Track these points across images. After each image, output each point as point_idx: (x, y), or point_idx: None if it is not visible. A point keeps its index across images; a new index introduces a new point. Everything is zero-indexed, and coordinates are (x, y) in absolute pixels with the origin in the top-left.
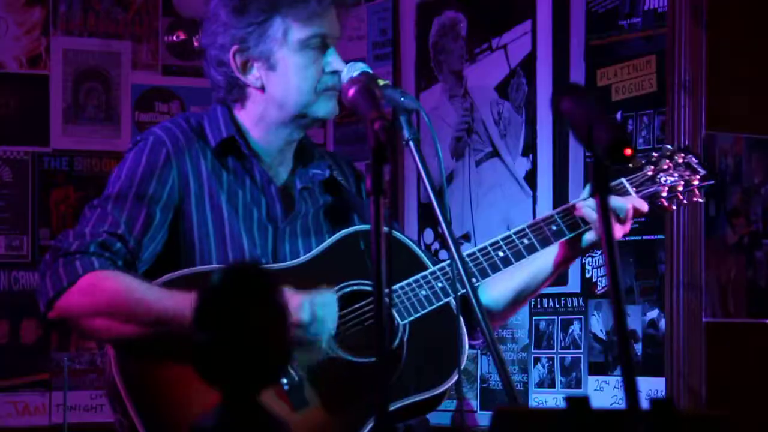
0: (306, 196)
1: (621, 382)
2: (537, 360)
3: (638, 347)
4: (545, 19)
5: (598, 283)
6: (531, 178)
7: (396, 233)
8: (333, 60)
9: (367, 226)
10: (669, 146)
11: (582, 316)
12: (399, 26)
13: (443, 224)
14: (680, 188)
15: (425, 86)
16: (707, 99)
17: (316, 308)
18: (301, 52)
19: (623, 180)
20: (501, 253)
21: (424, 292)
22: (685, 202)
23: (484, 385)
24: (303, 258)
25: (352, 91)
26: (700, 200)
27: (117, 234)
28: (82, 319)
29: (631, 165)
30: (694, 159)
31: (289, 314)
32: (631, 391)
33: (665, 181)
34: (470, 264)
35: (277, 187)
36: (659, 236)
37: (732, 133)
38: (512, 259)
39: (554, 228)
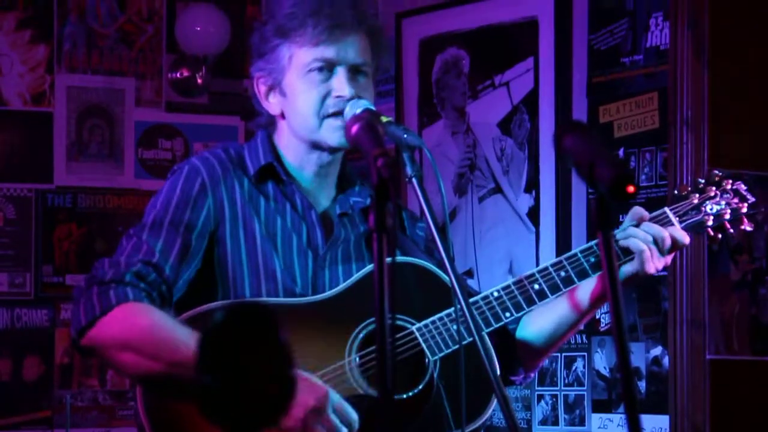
0: (346, 222)
1: (625, 420)
2: (540, 397)
3: (642, 384)
4: (548, 56)
5: (602, 320)
6: (534, 214)
7: (429, 265)
8: (338, 85)
9: (400, 258)
10: (717, 172)
11: (585, 353)
12: (402, 63)
13: (446, 261)
14: (727, 216)
15: (428, 123)
16: (709, 136)
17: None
18: (305, 77)
19: (666, 210)
20: (536, 286)
21: (456, 327)
22: (732, 231)
23: (488, 422)
24: (333, 291)
25: (355, 128)
26: (748, 228)
27: (152, 263)
28: (110, 350)
29: (676, 191)
30: (743, 186)
31: (291, 354)
32: (634, 428)
33: (711, 209)
34: (505, 297)
35: (318, 214)
36: (662, 273)
37: (734, 170)
38: (548, 293)
39: (593, 259)
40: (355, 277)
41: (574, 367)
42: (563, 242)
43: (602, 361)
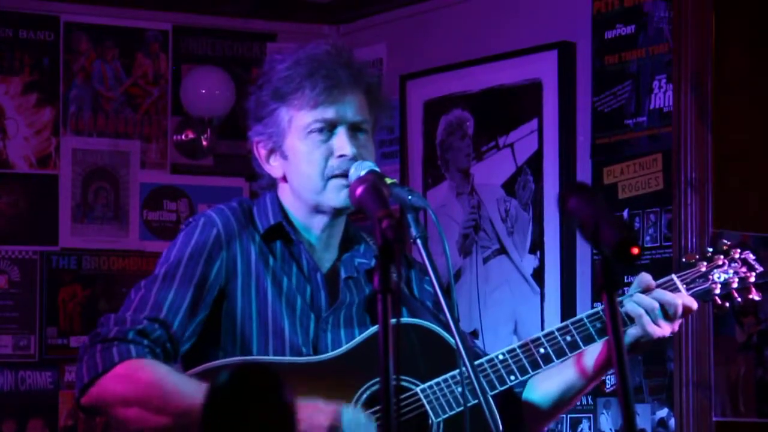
0: (351, 285)
1: None
2: None
3: None
4: (552, 117)
5: (607, 381)
6: (538, 275)
7: (434, 326)
8: (339, 144)
9: (405, 320)
10: (726, 240)
11: (591, 415)
12: (406, 124)
13: (451, 322)
14: (734, 285)
15: (432, 184)
16: (713, 197)
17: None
18: (306, 139)
19: (673, 277)
20: (542, 350)
21: (460, 389)
22: (739, 300)
23: None
24: (338, 350)
25: (359, 190)
26: (756, 298)
27: (158, 319)
28: (114, 407)
29: (684, 259)
30: (751, 255)
31: (295, 415)
32: None
33: (718, 278)
34: (510, 361)
35: (323, 275)
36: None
37: (739, 232)
38: (553, 357)
39: (599, 325)
40: (360, 337)
41: (579, 429)
42: (568, 303)
43: (608, 422)
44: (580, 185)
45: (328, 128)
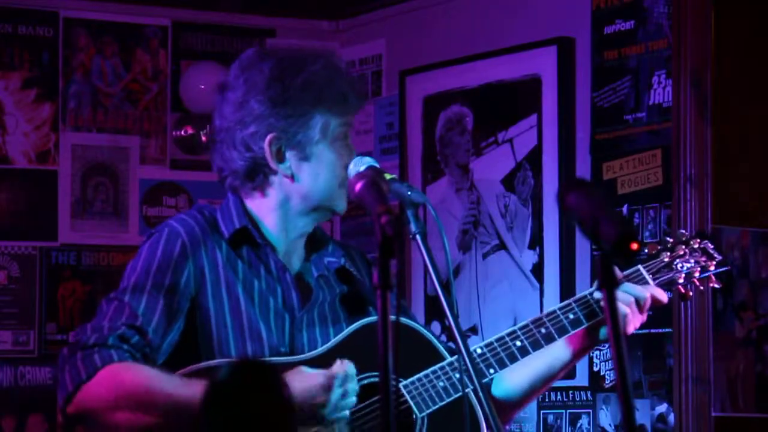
0: (323, 283)
1: None
2: None
3: None
4: (551, 113)
5: (606, 377)
6: (538, 271)
7: (412, 323)
8: (352, 149)
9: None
10: (684, 231)
11: (590, 410)
12: (405, 120)
13: (450, 317)
14: (696, 274)
15: (432, 179)
16: (713, 193)
17: (344, 386)
18: (333, 145)
19: (640, 268)
20: (518, 343)
21: (441, 384)
22: (702, 288)
23: None
24: (320, 349)
25: (359, 186)
26: (716, 286)
27: (135, 326)
28: (103, 412)
29: (647, 251)
30: (710, 245)
31: (293, 410)
32: None
33: (681, 267)
34: (488, 354)
35: (292, 275)
36: (667, 329)
37: (738, 227)
38: (530, 349)
39: (571, 316)
40: (344, 333)
41: (579, 424)
42: (567, 298)
43: (607, 418)
44: (579, 180)
45: (347, 134)
